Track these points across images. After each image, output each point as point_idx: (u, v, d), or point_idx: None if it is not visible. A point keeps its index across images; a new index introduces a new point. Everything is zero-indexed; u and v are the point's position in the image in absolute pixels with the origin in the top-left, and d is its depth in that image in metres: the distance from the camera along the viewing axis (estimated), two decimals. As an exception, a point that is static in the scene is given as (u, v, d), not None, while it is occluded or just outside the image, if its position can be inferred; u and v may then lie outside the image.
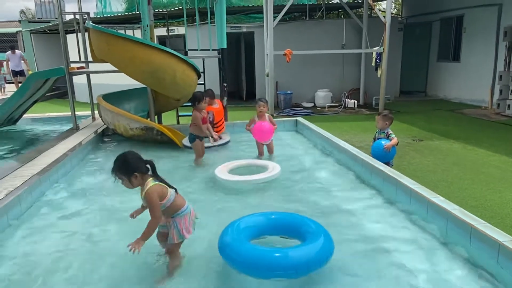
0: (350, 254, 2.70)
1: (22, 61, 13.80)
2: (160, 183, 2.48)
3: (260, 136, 5.07)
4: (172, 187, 2.56)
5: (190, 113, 5.98)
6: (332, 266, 2.50)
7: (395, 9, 20.59)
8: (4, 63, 14.12)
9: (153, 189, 2.39)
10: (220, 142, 5.56)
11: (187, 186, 4.11)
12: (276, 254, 2.36)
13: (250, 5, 14.14)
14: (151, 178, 2.45)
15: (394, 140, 4.58)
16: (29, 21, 21.88)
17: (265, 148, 5.24)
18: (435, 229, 2.95)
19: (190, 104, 5.23)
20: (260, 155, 5.21)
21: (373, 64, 11.04)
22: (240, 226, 2.61)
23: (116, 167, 2.42)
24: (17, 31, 25.94)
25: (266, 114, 5.11)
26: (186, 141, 5.47)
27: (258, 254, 2.35)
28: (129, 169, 2.39)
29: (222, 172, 4.18)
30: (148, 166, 2.47)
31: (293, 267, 2.29)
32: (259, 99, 5.18)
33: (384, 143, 4.55)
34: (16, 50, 13.87)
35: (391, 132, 4.68)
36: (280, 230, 2.78)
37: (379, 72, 10.77)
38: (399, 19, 14.90)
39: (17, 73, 13.68)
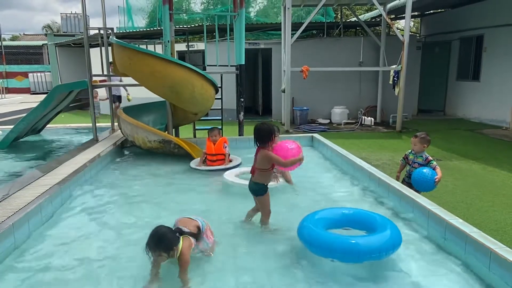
0: (366, 271, 2.68)
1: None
2: (183, 235, 2.56)
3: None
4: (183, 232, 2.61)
5: (207, 127, 6.10)
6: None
7: (413, 28, 20.54)
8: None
9: (185, 248, 2.48)
10: (231, 164, 5.35)
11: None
12: (352, 241, 2.65)
13: (268, 22, 14.37)
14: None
15: (439, 170, 4.14)
16: (54, 35, 22.74)
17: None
18: (452, 252, 2.88)
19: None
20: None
21: (390, 82, 11.01)
22: (315, 217, 2.97)
23: (159, 247, 2.39)
24: (42, 44, 26.96)
25: None
26: (193, 164, 5.43)
27: (335, 240, 2.69)
28: (169, 245, 2.42)
29: (230, 176, 4.63)
30: (177, 234, 2.53)
31: (365, 252, 2.58)
32: None
33: (426, 171, 4.11)
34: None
35: (432, 159, 4.27)
36: (352, 223, 3.06)
37: (396, 90, 10.71)
38: (418, 37, 14.87)
39: (118, 98, 11.55)
